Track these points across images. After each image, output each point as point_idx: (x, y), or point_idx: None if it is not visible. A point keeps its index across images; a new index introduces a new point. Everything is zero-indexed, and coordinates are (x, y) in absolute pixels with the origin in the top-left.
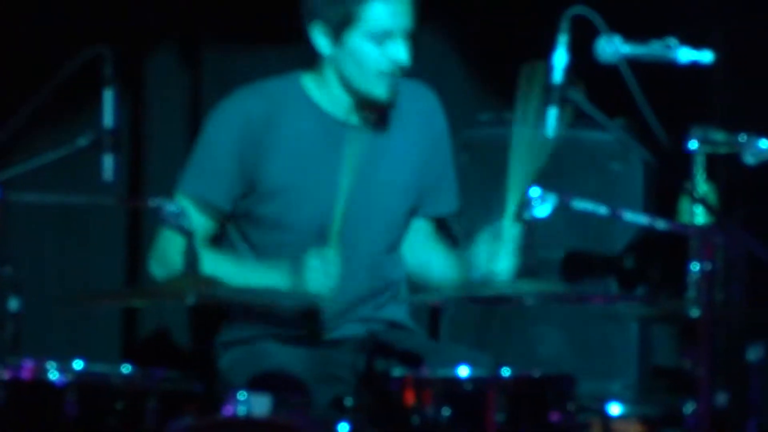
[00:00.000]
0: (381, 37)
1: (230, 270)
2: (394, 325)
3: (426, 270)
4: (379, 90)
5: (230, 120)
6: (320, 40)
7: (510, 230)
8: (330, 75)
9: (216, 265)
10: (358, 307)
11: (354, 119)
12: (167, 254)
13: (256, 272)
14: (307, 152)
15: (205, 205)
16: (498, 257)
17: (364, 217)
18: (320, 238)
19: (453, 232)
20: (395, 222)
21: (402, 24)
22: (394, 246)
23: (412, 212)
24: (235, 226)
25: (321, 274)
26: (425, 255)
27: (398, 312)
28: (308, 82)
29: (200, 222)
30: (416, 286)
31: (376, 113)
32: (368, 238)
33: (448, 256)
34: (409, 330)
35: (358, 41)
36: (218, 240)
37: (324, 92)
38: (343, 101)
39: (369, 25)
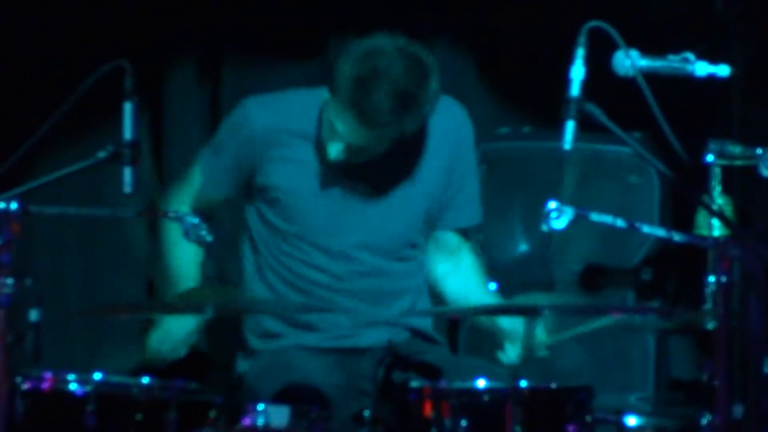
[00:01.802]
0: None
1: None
2: (417, 333)
3: (441, 283)
4: (329, 153)
5: (236, 127)
6: (327, 74)
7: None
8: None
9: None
10: (378, 310)
11: None
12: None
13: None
14: (313, 167)
15: (205, 192)
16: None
17: (369, 230)
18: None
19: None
20: (405, 234)
21: (350, 140)
22: (407, 257)
23: (432, 222)
24: (255, 210)
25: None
26: (442, 269)
27: (422, 320)
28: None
29: (202, 198)
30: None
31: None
32: (375, 251)
33: (466, 276)
34: (431, 340)
35: (331, 111)
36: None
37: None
38: None
39: (336, 128)
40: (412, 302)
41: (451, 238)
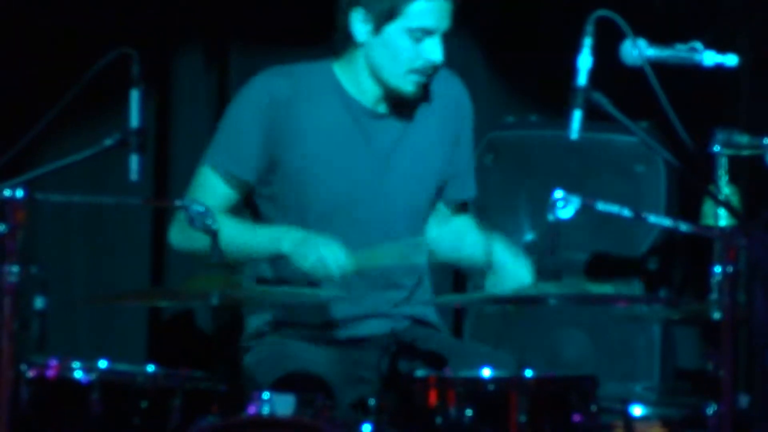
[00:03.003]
0: (420, 35)
1: (237, 230)
2: (419, 321)
3: (457, 239)
4: (407, 86)
5: (257, 97)
6: (358, 26)
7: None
8: (360, 63)
9: (226, 226)
10: (383, 292)
11: (382, 108)
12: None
13: (261, 236)
14: (332, 136)
15: (231, 177)
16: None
17: (387, 201)
18: (342, 221)
19: None
20: (419, 207)
21: (441, 24)
22: (416, 232)
23: (436, 197)
24: (259, 209)
25: (325, 263)
26: (454, 226)
27: (425, 308)
28: (338, 69)
29: (224, 192)
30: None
31: (403, 104)
32: (391, 223)
33: (476, 230)
34: (433, 327)
35: (396, 35)
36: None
37: (353, 80)
38: (371, 90)
39: (411, 22)
40: (419, 281)
41: (444, 209)
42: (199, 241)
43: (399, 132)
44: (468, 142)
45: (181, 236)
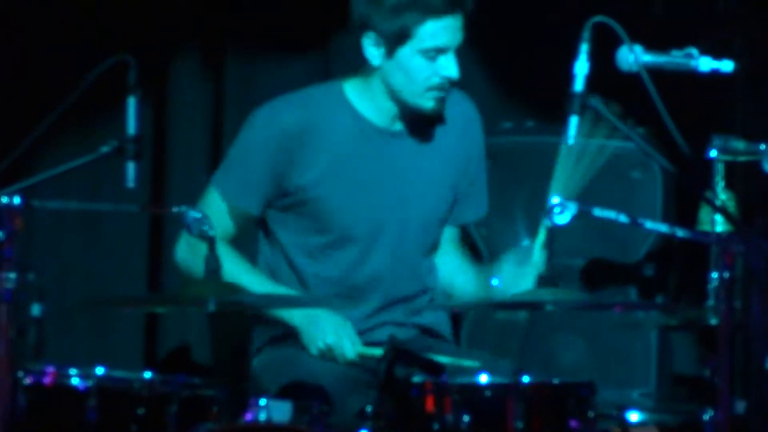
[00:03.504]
0: (434, 53)
1: (254, 284)
2: (425, 330)
3: (450, 279)
4: (428, 103)
5: (266, 130)
6: (371, 50)
7: (538, 254)
8: (377, 84)
9: (244, 278)
10: (393, 310)
11: (398, 126)
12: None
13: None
14: (347, 159)
15: (234, 208)
16: (522, 279)
17: (402, 221)
18: (357, 242)
19: (473, 238)
20: (431, 227)
21: (454, 40)
22: (429, 251)
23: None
24: (272, 232)
25: (333, 350)
26: (451, 264)
27: (433, 317)
28: (350, 90)
29: (226, 221)
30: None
31: (418, 122)
32: (406, 243)
33: (471, 269)
34: (442, 338)
35: (410, 57)
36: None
37: (367, 100)
38: (387, 109)
39: (423, 43)
40: (427, 295)
41: (452, 234)
42: (199, 262)
43: (413, 151)
44: (480, 162)
45: (188, 253)
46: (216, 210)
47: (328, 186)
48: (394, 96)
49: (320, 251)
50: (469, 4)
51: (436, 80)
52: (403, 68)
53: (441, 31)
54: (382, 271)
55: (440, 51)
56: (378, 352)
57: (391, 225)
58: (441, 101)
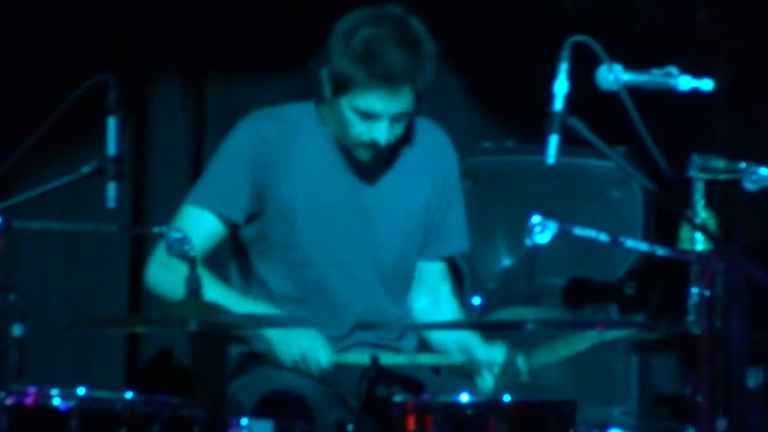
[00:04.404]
0: (366, 116)
1: (225, 300)
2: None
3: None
4: (360, 155)
5: (246, 139)
6: (325, 84)
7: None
8: (333, 117)
9: (214, 294)
10: (365, 333)
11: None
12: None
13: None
14: (319, 173)
15: (219, 216)
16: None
17: (375, 238)
18: (329, 259)
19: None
20: (407, 245)
21: (387, 109)
22: (404, 273)
23: (421, 249)
24: (247, 247)
25: (306, 361)
26: (431, 305)
27: (408, 343)
28: (323, 110)
29: (211, 230)
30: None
31: (393, 146)
32: (379, 261)
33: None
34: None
35: (345, 108)
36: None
37: (336, 123)
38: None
39: (356, 104)
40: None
41: (434, 271)
42: (175, 282)
43: (383, 174)
44: (452, 194)
45: (164, 271)
46: (194, 226)
47: (300, 199)
48: (339, 133)
49: (289, 270)
50: (417, 79)
51: (365, 139)
52: (339, 115)
53: (373, 98)
54: (350, 292)
55: (372, 116)
56: (353, 358)
57: (363, 243)
58: (374, 156)
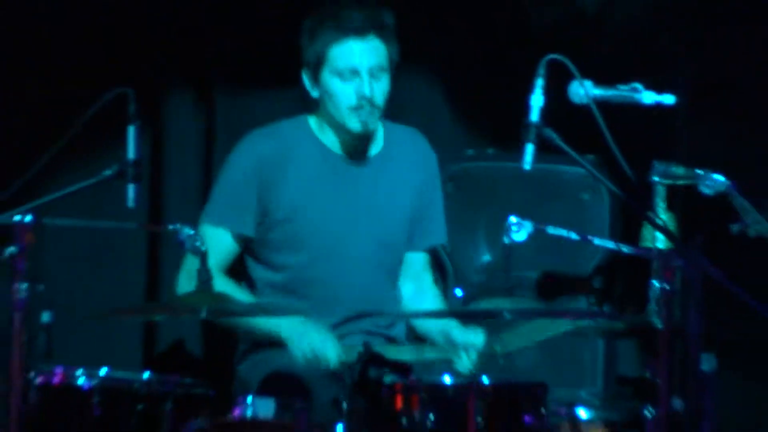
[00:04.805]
0: (348, 75)
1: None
2: (391, 340)
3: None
4: (352, 123)
5: (247, 160)
6: (308, 84)
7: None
8: (324, 116)
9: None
10: (360, 322)
11: (357, 155)
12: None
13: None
14: (313, 185)
15: (234, 233)
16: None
17: (364, 237)
18: (325, 258)
19: (439, 255)
20: (393, 240)
21: (363, 62)
22: (391, 265)
23: (406, 242)
24: (251, 249)
25: (317, 358)
26: (415, 291)
27: (397, 330)
28: (313, 123)
29: (228, 248)
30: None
31: (357, 145)
32: (368, 255)
33: (434, 299)
34: (402, 345)
35: (328, 80)
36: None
37: (326, 132)
38: (336, 139)
39: (335, 65)
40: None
41: (418, 261)
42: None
43: (370, 176)
44: (433, 192)
45: (190, 283)
46: (215, 245)
47: (297, 209)
48: (333, 123)
49: (290, 266)
50: (382, 27)
51: (353, 101)
52: (327, 92)
53: (347, 53)
54: (342, 283)
55: (352, 72)
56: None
57: (354, 242)
58: (365, 122)
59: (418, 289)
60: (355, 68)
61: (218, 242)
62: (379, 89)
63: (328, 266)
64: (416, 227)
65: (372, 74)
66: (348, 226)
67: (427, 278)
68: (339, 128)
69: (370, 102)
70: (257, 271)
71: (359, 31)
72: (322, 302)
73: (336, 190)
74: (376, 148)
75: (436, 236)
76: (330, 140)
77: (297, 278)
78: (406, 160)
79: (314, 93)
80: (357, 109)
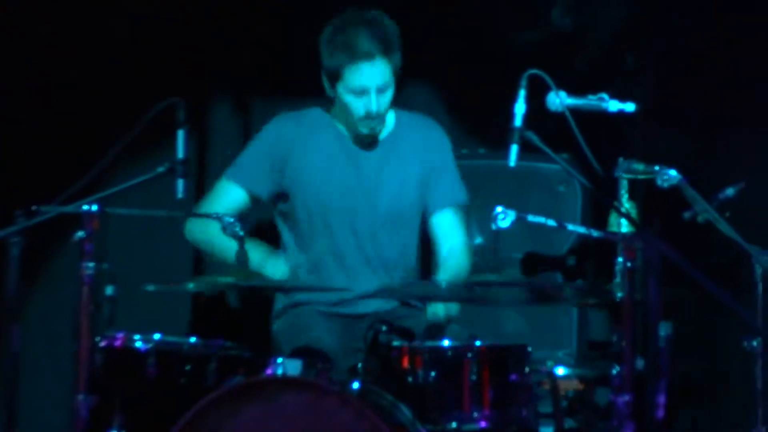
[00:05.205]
0: (358, 92)
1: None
2: (404, 302)
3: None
4: (361, 128)
5: (271, 135)
6: (325, 84)
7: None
8: (339, 112)
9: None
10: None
11: (370, 140)
12: (208, 224)
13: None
14: (329, 165)
15: (246, 189)
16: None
17: (376, 211)
18: (339, 228)
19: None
20: (403, 214)
21: (372, 83)
22: (402, 236)
23: (424, 209)
24: (280, 224)
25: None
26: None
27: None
28: (333, 111)
29: (239, 199)
30: None
31: (367, 135)
32: (379, 227)
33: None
34: (414, 307)
35: (343, 93)
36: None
37: (342, 122)
38: (348, 129)
39: (348, 83)
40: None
41: (444, 221)
42: (202, 230)
43: (381, 158)
44: (447, 155)
45: (198, 231)
46: (225, 195)
47: (315, 185)
48: (346, 120)
49: (309, 236)
50: (388, 48)
51: (362, 113)
52: (341, 101)
53: (359, 74)
54: (357, 250)
55: (363, 90)
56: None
57: (366, 216)
58: (373, 128)
59: (449, 252)
60: (365, 88)
61: (228, 193)
62: (384, 100)
63: (340, 236)
64: (432, 191)
65: (379, 90)
66: (359, 198)
67: (457, 238)
68: (351, 125)
69: (377, 114)
70: (288, 251)
71: (369, 57)
72: (335, 268)
73: (348, 165)
74: (385, 132)
75: (456, 195)
76: (345, 129)
77: (317, 251)
78: (417, 139)
79: (331, 93)
80: (366, 119)
